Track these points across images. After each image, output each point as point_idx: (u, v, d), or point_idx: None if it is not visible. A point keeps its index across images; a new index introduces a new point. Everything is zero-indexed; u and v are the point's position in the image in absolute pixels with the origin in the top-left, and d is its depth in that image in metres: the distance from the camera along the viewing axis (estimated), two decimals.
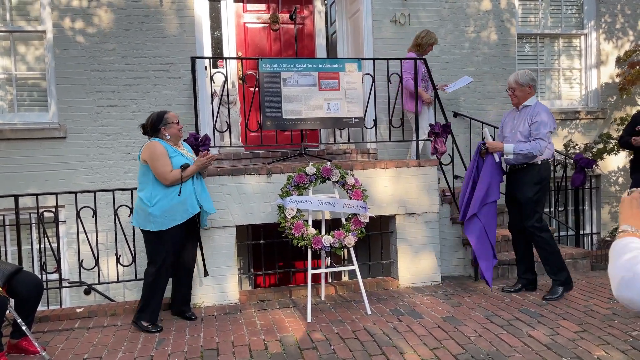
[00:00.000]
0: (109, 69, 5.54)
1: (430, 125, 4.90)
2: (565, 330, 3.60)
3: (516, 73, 4.33)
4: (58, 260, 4.52)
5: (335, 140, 5.71)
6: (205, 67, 5.97)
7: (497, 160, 4.36)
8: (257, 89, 4.64)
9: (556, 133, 6.44)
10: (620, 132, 5.52)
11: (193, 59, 4.59)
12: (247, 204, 4.48)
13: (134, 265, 4.60)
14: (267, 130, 4.73)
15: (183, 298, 4.16)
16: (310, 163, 4.21)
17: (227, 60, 5.26)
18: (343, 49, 6.77)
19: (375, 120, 5.11)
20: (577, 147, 6.55)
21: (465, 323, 3.80)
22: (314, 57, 6.64)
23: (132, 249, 4.57)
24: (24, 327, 3.26)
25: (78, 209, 4.40)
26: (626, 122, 6.05)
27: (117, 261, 4.54)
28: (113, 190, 4.60)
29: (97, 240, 4.59)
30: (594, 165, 5.65)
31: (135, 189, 4.01)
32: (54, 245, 4.64)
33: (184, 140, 4.40)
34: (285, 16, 6.65)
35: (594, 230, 7.01)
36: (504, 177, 4.53)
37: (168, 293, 4.09)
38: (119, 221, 4.54)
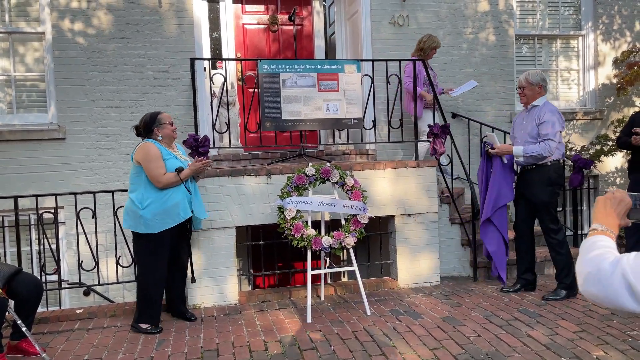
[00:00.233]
0: (108, 70, 5.54)
1: (429, 126, 4.92)
2: (564, 330, 3.62)
3: (527, 72, 4.33)
4: (58, 262, 4.52)
5: (334, 141, 5.72)
6: (205, 68, 5.98)
7: (506, 162, 4.37)
8: (256, 90, 4.65)
9: None
10: (618, 133, 5.54)
11: (192, 60, 4.60)
12: (247, 205, 4.49)
13: (134, 266, 4.59)
14: (266, 131, 4.74)
15: (179, 298, 4.14)
16: (310, 164, 4.22)
17: (227, 61, 5.26)
18: (342, 50, 6.78)
19: (374, 121, 5.12)
20: (574, 148, 6.58)
21: (464, 323, 3.81)
22: (312, 58, 6.65)
23: (131, 250, 4.56)
24: (23, 329, 3.26)
25: (78, 210, 4.40)
26: (624, 123, 6.08)
27: (117, 262, 4.54)
28: (113, 192, 4.60)
29: (96, 241, 4.59)
30: (592, 166, 5.67)
31: None
32: (53, 246, 4.63)
33: (184, 142, 4.41)
34: (283, 17, 6.66)
35: None
36: (515, 177, 4.55)
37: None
38: (119, 222, 4.52)
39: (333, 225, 4.72)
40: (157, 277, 3.85)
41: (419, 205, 4.84)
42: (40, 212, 4.43)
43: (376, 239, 5.12)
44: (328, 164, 4.25)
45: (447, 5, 6.26)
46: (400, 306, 4.27)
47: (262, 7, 6.67)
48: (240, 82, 6.39)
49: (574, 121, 6.79)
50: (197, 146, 4.33)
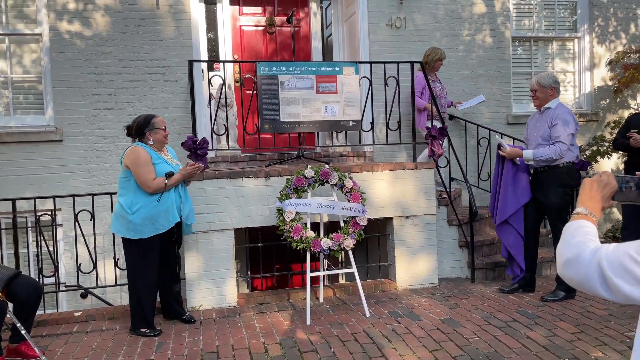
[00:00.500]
0: (106, 72, 5.52)
1: (427, 128, 4.94)
2: (563, 331, 3.64)
3: (539, 74, 4.33)
4: (56, 264, 4.50)
5: (332, 143, 5.73)
6: (202, 70, 5.98)
7: (518, 163, 4.37)
8: (255, 91, 4.65)
9: None
10: (614, 135, 5.58)
11: (191, 62, 4.61)
12: (246, 207, 4.49)
13: None
14: (264, 133, 4.75)
15: (175, 300, 4.10)
16: (309, 166, 4.22)
17: (225, 63, 5.26)
18: (339, 51, 6.80)
19: (372, 123, 5.14)
20: None
21: (463, 325, 3.83)
22: (309, 60, 6.66)
23: None
24: (23, 332, 3.24)
25: (76, 213, 4.39)
26: (620, 125, 6.12)
27: (115, 264, 4.53)
28: (111, 194, 4.58)
29: (95, 243, 4.58)
30: (588, 168, 5.70)
31: None
32: (51, 249, 4.62)
33: (182, 144, 4.40)
34: (280, 19, 6.67)
35: None
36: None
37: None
38: None
39: (331, 227, 4.73)
40: (148, 282, 3.82)
41: (417, 207, 4.86)
42: (39, 214, 4.42)
43: (374, 240, 5.13)
44: (327, 166, 4.26)
45: (444, 8, 6.28)
46: (399, 308, 4.28)
47: (259, 9, 6.68)
48: (237, 84, 6.39)
49: None
50: (195, 148, 4.33)
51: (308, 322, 3.95)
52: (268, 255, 4.98)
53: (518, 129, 6.48)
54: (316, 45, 6.81)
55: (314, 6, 6.77)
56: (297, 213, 4.07)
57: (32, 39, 5.54)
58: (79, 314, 4.28)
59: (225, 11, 6.52)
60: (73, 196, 4.47)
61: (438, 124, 5.30)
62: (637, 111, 6.83)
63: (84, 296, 5.27)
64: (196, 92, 4.89)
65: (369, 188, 4.67)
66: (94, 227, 4.53)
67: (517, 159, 4.40)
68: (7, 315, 3.24)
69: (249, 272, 5.70)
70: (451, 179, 5.59)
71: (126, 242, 3.78)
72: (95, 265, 4.53)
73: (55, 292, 4.82)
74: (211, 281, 4.44)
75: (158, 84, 5.65)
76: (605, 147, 6.44)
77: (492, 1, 6.44)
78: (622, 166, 6.72)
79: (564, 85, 7.05)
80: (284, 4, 6.68)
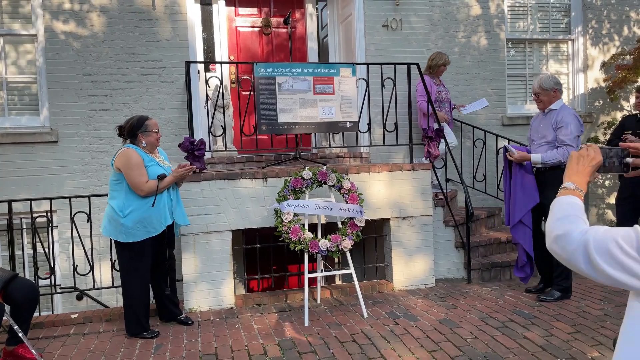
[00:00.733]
0: (102, 72, 5.50)
1: (424, 129, 4.96)
2: (559, 331, 3.67)
3: (540, 78, 4.32)
4: (52, 266, 4.48)
5: (329, 144, 5.74)
6: (198, 71, 5.97)
7: (525, 165, 4.36)
8: (252, 92, 4.65)
9: None
10: (609, 136, 5.63)
11: (188, 64, 4.60)
12: (243, 208, 4.49)
13: None
14: (261, 134, 4.75)
15: (170, 302, 4.07)
16: (307, 167, 4.23)
17: (222, 64, 5.25)
18: (335, 53, 6.81)
19: (369, 125, 5.15)
20: None
21: (461, 325, 3.85)
22: (305, 61, 6.67)
23: None
24: (20, 334, 3.23)
25: (72, 214, 4.37)
26: (613, 126, 6.18)
27: (112, 266, 4.51)
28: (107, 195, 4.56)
29: (91, 245, 4.56)
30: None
31: None
32: (47, 250, 4.59)
33: (179, 145, 4.40)
34: (276, 20, 6.67)
35: None
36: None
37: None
38: None
39: (328, 228, 4.74)
40: (141, 285, 3.79)
41: (414, 208, 4.88)
42: (35, 216, 4.39)
43: (371, 241, 5.14)
44: (324, 167, 4.27)
45: (439, 10, 6.32)
46: (396, 308, 4.30)
47: (255, 10, 6.68)
48: (233, 85, 6.39)
49: None
50: (193, 149, 4.34)
51: (306, 323, 3.95)
52: (265, 257, 4.98)
53: (513, 130, 6.53)
54: (312, 46, 6.82)
55: (309, 7, 6.78)
56: (295, 214, 4.08)
57: (27, 39, 5.51)
58: (76, 315, 4.26)
59: (221, 12, 6.51)
60: (70, 197, 4.45)
61: (446, 126, 5.40)
62: (630, 112, 6.90)
63: (79, 298, 5.24)
64: (193, 93, 4.89)
65: (366, 189, 4.68)
66: (90, 229, 4.51)
67: (525, 162, 4.38)
68: (4, 318, 3.22)
69: (245, 274, 5.70)
70: (447, 180, 5.61)
71: (118, 245, 3.75)
72: (91, 267, 4.52)
73: (51, 294, 4.79)
74: (208, 282, 4.43)
75: (154, 85, 5.64)
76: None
77: (487, 3, 6.48)
78: None
79: None
80: (279, 5, 6.68)
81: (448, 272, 5.24)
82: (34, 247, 4.42)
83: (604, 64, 6.91)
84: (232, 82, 6.41)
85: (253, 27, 6.66)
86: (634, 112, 5.42)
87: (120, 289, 4.98)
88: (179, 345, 3.64)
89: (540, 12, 6.92)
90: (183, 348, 3.59)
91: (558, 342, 3.49)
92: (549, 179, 4.29)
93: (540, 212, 4.42)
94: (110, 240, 4.55)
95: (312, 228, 4.33)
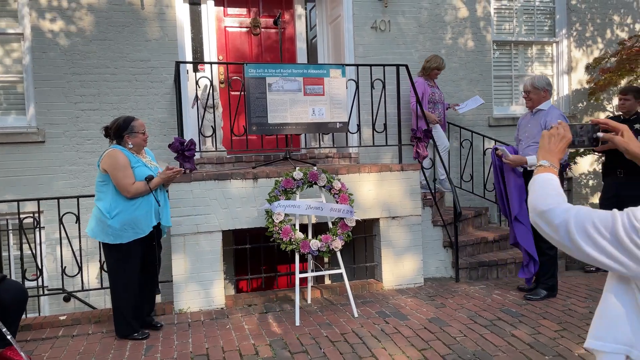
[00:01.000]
0: (89, 72, 5.46)
1: (412, 130, 5.01)
2: (546, 329, 3.74)
3: (533, 77, 4.39)
4: (40, 268, 4.44)
5: (319, 145, 5.76)
6: (187, 71, 5.95)
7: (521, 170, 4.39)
8: (242, 93, 4.65)
9: None
10: None
11: (178, 64, 4.58)
12: (233, 209, 4.49)
13: None
14: (251, 134, 4.75)
15: (148, 308, 4.01)
16: (297, 168, 4.25)
17: (211, 64, 5.24)
18: (323, 53, 6.84)
19: (359, 125, 5.19)
20: None
21: (450, 324, 3.90)
22: (294, 61, 6.68)
23: None
24: (8, 336, 3.20)
25: (61, 215, 4.33)
26: None
27: (101, 267, 4.48)
28: None
29: (80, 246, 4.52)
30: (567, 168, 5.86)
31: None
32: (34, 252, 4.54)
33: (169, 146, 4.38)
34: (265, 20, 6.68)
35: None
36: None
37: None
38: None
39: (318, 228, 4.76)
40: (129, 286, 3.76)
41: (403, 208, 4.93)
42: (22, 217, 4.34)
43: (361, 241, 5.18)
44: (315, 168, 4.29)
45: (427, 12, 6.37)
46: (386, 308, 4.33)
47: (244, 10, 6.67)
48: (222, 85, 6.38)
49: None
50: (183, 150, 4.33)
51: (297, 323, 3.97)
52: (254, 257, 4.99)
53: (499, 130, 6.62)
54: (301, 46, 6.83)
55: (299, 8, 6.80)
56: (286, 215, 4.09)
57: (14, 38, 5.44)
58: (64, 317, 4.22)
59: (210, 12, 6.50)
60: (58, 198, 4.41)
61: (438, 129, 5.48)
62: (613, 114, 7.04)
63: (67, 299, 5.19)
64: (182, 94, 4.87)
65: (356, 189, 4.71)
66: (79, 230, 4.48)
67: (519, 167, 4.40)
68: None
69: (234, 274, 5.70)
70: (435, 180, 5.67)
71: (106, 247, 3.72)
72: (80, 268, 4.48)
73: (38, 295, 4.75)
74: (198, 283, 4.43)
75: (143, 84, 5.61)
76: (582, 149, 6.62)
77: (474, 5, 6.56)
78: (599, 167, 6.91)
79: None
80: (268, 6, 6.69)
81: (436, 272, 5.29)
82: (20, 248, 4.37)
83: (587, 66, 7.04)
84: (221, 82, 6.40)
85: (242, 27, 6.66)
86: (617, 114, 5.54)
87: (108, 290, 4.97)
88: (169, 347, 3.64)
89: (526, 15, 7.03)
90: (174, 349, 3.58)
91: (545, 339, 3.55)
92: None
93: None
94: (100, 243, 4.53)
95: (302, 228, 4.35)
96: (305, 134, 6.22)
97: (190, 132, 5.55)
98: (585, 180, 7.19)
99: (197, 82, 4.70)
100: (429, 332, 3.75)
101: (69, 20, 5.40)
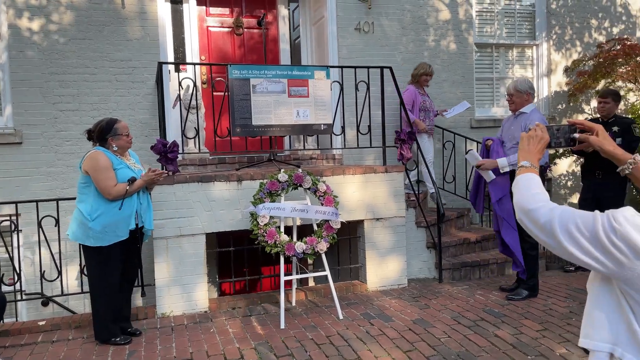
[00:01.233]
0: (68, 72, 5.35)
1: (396, 132, 5.03)
2: (528, 329, 3.79)
3: (516, 80, 4.45)
4: (17, 272, 4.33)
5: (304, 146, 5.74)
6: (169, 71, 5.88)
7: (493, 177, 4.41)
8: (226, 93, 4.61)
9: None
10: None
11: (160, 64, 4.52)
12: (217, 211, 4.45)
13: None
14: (235, 136, 4.71)
15: (122, 314, 3.92)
16: (282, 170, 4.23)
17: (194, 65, 5.18)
18: (307, 54, 6.82)
19: (343, 127, 5.19)
20: None
21: (434, 325, 3.92)
22: (278, 62, 6.66)
23: None
24: None
25: (40, 218, 4.24)
26: None
27: (81, 271, 4.40)
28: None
29: (59, 250, 4.43)
30: (547, 170, 5.96)
31: None
32: (10, 255, 4.43)
33: (151, 147, 4.32)
34: (248, 21, 6.63)
35: None
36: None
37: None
38: None
39: (301, 230, 4.74)
40: (110, 290, 3.70)
41: (387, 209, 4.94)
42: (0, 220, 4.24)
43: (345, 243, 5.18)
44: (300, 170, 4.27)
45: (410, 14, 6.41)
46: (371, 309, 4.34)
47: (226, 10, 6.62)
48: (205, 85, 6.32)
49: None
50: (166, 152, 4.27)
51: (282, 326, 3.95)
52: (238, 259, 4.95)
53: (481, 132, 6.68)
54: (284, 47, 6.80)
55: (282, 9, 6.77)
56: (270, 217, 4.07)
57: None
58: (43, 323, 4.13)
59: (192, 11, 6.43)
60: (37, 201, 4.31)
61: (424, 138, 5.57)
62: (591, 116, 7.17)
63: (45, 304, 5.09)
64: (165, 95, 4.81)
65: (341, 191, 4.71)
66: (59, 233, 4.39)
67: (490, 171, 4.45)
68: None
69: (216, 277, 5.65)
70: (418, 182, 5.71)
71: (86, 249, 3.66)
72: (59, 273, 4.39)
73: (15, 300, 4.64)
74: (181, 287, 4.38)
75: (124, 85, 5.52)
76: (562, 150, 6.73)
77: (456, 8, 6.61)
78: (577, 168, 7.04)
79: None
80: (251, 6, 6.65)
81: (420, 272, 5.33)
82: None
83: (566, 69, 7.16)
84: (203, 83, 6.34)
85: (224, 27, 6.61)
86: (595, 116, 5.64)
87: (89, 294, 4.88)
88: (152, 352, 3.59)
89: (507, 18, 7.12)
90: (157, 354, 3.54)
91: (527, 339, 3.60)
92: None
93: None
94: (79, 244, 4.44)
95: (287, 230, 4.33)
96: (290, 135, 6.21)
97: (172, 133, 5.48)
98: (564, 182, 7.31)
99: (180, 83, 4.64)
100: (413, 333, 3.77)
101: (48, 19, 5.29)
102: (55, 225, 4.34)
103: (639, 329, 1.22)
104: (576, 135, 1.67)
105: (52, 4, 5.29)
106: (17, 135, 5.20)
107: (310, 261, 5.81)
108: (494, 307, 4.30)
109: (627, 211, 1.23)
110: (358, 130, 5.04)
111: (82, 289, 4.51)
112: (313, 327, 3.95)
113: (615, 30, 7.34)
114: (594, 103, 7.19)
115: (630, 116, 6.59)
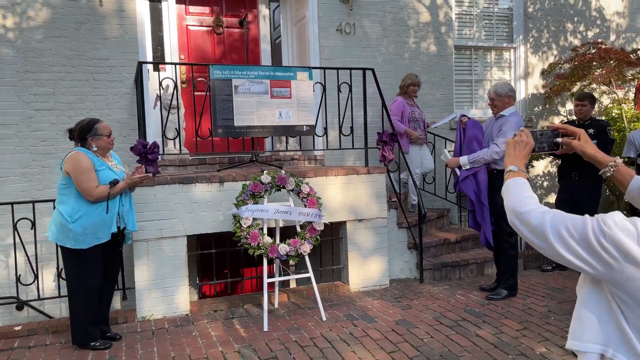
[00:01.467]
0: (44, 70, 5.22)
1: (378, 133, 5.05)
2: (508, 328, 3.85)
3: (496, 84, 4.50)
4: None
5: (286, 147, 5.73)
6: (148, 70, 5.78)
7: (458, 174, 4.51)
8: (207, 93, 4.56)
9: None
10: None
11: (140, 64, 4.45)
12: (199, 213, 4.40)
13: None
14: (217, 137, 4.67)
15: (102, 317, 3.85)
16: (265, 171, 4.20)
17: (175, 65, 5.12)
18: (288, 55, 6.80)
19: (325, 129, 5.19)
20: None
21: (417, 325, 3.95)
22: (259, 63, 6.62)
23: None
24: None
25: (15, 221, 4.12)
26: None
27: (58, 275, 4.30)
28: (53, 201, 4.33)
29: (36, 253, 4.32)
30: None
31: None
32: None
33: (131, 148, 4.25)
34: (228, 20, 6.58)
35: None
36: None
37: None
38: None
39: (284, 232, 4.73)
40: (89, 293, 3.63)
41: (369, 210, 4.96)
42: None
43: (327, 244, 5.18)
44: (283, 172, 4.26)
45: (391, 15, 6.44)
46: (353, 310, 4.35)
47: (206, 9, 6.55)
48: (184, 85, 6.24)
49: None
50: (146, 153, 4.21)
51: (265, 329, 3.93)
52: (220, 261, 4.91)
53: None
54: (265, 47, 6.77)
55: (262, 8, 6.73)
56: (253, 219, 4.04)
57: None
58: (19, 328, 4.02)
59: (171, 10, 6.34)
60: (12, 203, 4.19)
61: (415, 150, 5.62)
62: (567, 118, 7.33)
63: (19, 308, 4.96)
64: (144, 94, 4.73)
65: (323, 192, 4.71)
66: (35, 236, 4.28)
67: (456, 169, 4.54)
68: None
69: (197, 279, 5.58)
70: (400, 183, 5.74)
71: (66, 251, 3.58)
72: (36, 276, 4.28)
73: None
74: (162, 289, 4.32)
75: (101, 84, 5.41)
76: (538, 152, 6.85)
77: (436, 11, 6.68)
78: (554, 169, 7.19)
79: None
80: (231, 5, 6.59)
81: (401, 273, 5.36)
82: None
83: (543, 72, 7.30)
84: (183, 82, 6.26)
85: (204, 26, 6.54)
86: (571, 119, 5.76)
87: (65, 298, 4.77)
88: (133, 356, 3.53)
89: (485, 21, 7.21)
90: (139, 359, 3.48)
91: (508, 339, 3.66)
92: (492, 182, 4.46)
93: (498, 216, 4.53)
94: (57, 247, 4.34)
95: (269, 232, 4.31)
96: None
97: (152, 133, 5.39)
98: (540, 182, 7.45)
99: (160, 83, 4.57)
100: (396, 334, 3.79)
101: (22, 16, 5.15)
102: (32, 228, 4.23)
103: (629, 330, 1.25)
104: (559, 139, 1.72)
105: (26, 1, 5.16)
106: None
107: (292, 262, 5.80)
108: (474, 307, 4.35)
109: (616, 215, 1.26)
110: (340, 132, 5.04)
111: (59, 293, 4.40)
112: (296, 329, 3.94)
113: (590, 34, 7.51)
114: (569, 105, 7.35)
115: (604, 118, 6.77)
